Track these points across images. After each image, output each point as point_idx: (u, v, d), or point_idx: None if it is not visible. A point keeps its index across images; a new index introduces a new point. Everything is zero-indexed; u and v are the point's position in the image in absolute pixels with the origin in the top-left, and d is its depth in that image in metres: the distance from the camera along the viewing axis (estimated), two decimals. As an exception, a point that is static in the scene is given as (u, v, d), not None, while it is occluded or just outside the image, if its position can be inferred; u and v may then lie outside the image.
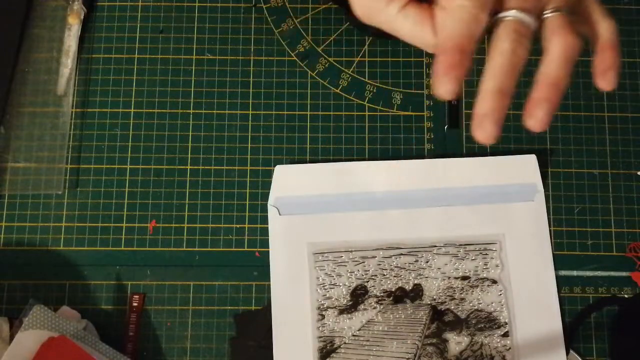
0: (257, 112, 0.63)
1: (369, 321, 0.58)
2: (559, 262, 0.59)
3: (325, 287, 0.58)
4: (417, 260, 0.59)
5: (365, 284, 0.58)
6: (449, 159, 0.61)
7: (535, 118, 0.40)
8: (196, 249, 0.60)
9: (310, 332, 0.57)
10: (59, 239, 0.60)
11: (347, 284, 0.58)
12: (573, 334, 0.58)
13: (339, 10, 0.65)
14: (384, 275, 0.59)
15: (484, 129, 0.39)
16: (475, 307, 0.58)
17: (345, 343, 0.57)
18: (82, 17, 0.64)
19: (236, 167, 0.62)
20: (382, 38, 0.64)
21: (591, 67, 0.41)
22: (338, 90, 0.63)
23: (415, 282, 0.59)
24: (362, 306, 0.58)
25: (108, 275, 0.59)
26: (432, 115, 0.63)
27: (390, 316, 0.58)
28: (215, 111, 0.63)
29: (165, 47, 0.64)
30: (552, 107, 0.40)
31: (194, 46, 0.64)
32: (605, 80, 0.41)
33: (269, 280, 0.58)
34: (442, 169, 0.61)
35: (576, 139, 0.62)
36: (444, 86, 0.38)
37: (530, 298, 0.58)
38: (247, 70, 0.64)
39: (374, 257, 0.59)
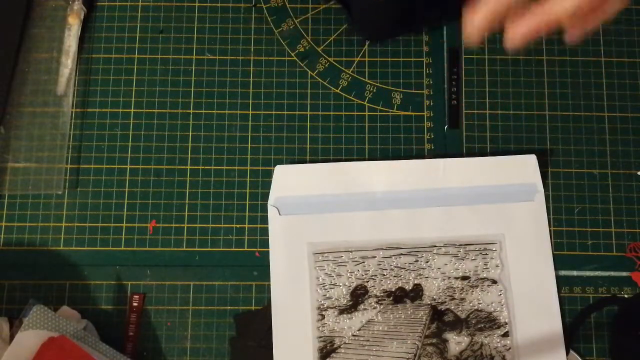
0: (257, 112, 0.63)
1: (369, 321, 0.58)
2: (559, 262, 0.60)
3: (325, 287, 0.58)
4: (417, 260, 0.59)
5: (365, 284, 0.58)
6: (449, 159, 0.61)
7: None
8: (196, 249, 0.60)
9: (310, 332, 0.57)
10: (59, 239, 0.60)
11: (347, 284, 0.58)
12: (573, 334, 0.58)
13: (339, 10, 0.65)
14: (384, 275, 0.59)
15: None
16: (475, 307, 0.58)
17: (345, 343, 0.57)
18: (82, 17, 0.64)
19: (236, 167, 0.62)
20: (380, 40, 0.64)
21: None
22: (338, 90, 0.64)
23: (415, 282, 0.59)
24: (362, 306, 0.58)
25: (108, 275, 0.59)
26: (432, 115, 0.63)
27: (390, 316, 0.58)
28: (215, 111, 0.63)
29: (165, 47, 0.64)
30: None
31: (194, 46, 0.64)
32: (576, 35, 0.44)
33: (269, 280, 0.59)
34: (442, 169, 0.61)
35: (576, 139, 0.62)
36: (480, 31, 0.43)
37: (530, 298, 0.58)
38: (247, 70, 0.64)
39: (374, 257, 0.59)
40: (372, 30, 0.64)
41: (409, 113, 0.63)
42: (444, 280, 0.58)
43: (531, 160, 0.61)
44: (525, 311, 0.58)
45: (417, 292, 0.58)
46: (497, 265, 0.59)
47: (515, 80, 0.64)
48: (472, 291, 0.58)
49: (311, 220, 0.59)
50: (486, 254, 0.59)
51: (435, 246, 0.59)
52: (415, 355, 0.57)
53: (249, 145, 0.62)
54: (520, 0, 0.43)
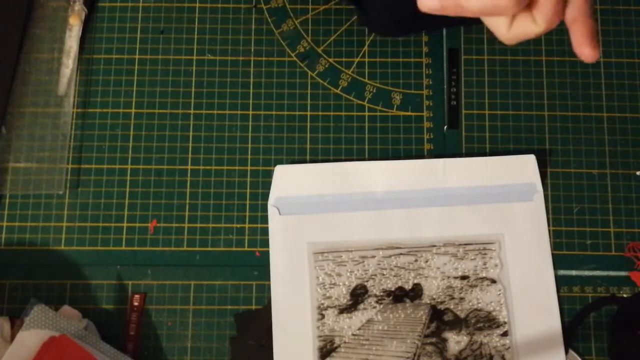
0: (257, 112, 0.63)
1: (368, 320, 0.58)
2: (558, 262, 0.60)
3: (325, 287, 0.58)
4: (416, 260, 0.59)
5: (365, 283, 0.59)
6: (449, 159, 0.61)
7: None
8: (197, 248, 0.60)
9: (310, 331, 0.58)
10: (60, 239, 0.60)
11: (347, 283, 0.59)
12: (572, 333, 0.58)
13: (339, 10, 0.65)
14: (384, 274, 0.59)
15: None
16: (475, 307, 0.58)
17: (345, 342, 0.57)
18: (83, 17, 0.64)
19: (236, 167, 0.62)
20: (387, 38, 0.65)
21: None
22: (338, 91, 0.64)
23: (415, 281, 0.59)
24: (362, 306, 0.58)
25: (109, 275, 0.59)
26: (431, 115, 0.63)
27: (390, 315, 0.58)
28: (215, 111, 0.63)
29: (165, 48, 0.64)
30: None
31: (195, 47, 0.64)
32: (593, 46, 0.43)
33: (269, 280, 0.59)
34: (441, 169, 0.61)
35: (575, 139, 0.63)
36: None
37: (530, 297, 0.58)
38: (248, 71, 0.64)
39: (373, 256, 0.59)
40: (385, 27, 0.64)
41: (409, 113, 0.63)
42: (444, 279, 0.59)
43: (530, 160, 0.61)
44: (524, 310, 0.58)
45: (416, 292, 0.59)
46: (496, 265, 0.59)
47: (515, 81, 0.64)
48: (472, 291, 0.58)
49: (311, 220, 0.60)
50: (485, 254, 0.59)
51: (434, 246, 0.59)
52: (414, 355, 0.57)
53: (249, 145, 0.62)
54: None
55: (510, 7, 0.40)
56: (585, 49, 0.42)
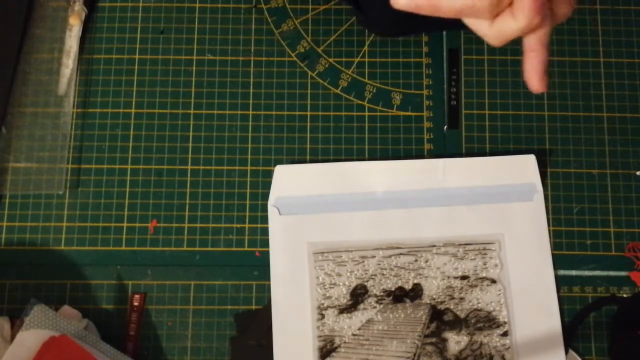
0: (257, 112, 0.63)
1: (368, 320, 0.58)
2: (558, 262, 0.60)
3: (325, 287, 0.58)
4: (416, 260, 0.59)
5: (365, 283, 0.59)
6: (449, 159, 0.61)
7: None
8: (197, 248, 0.60)
9: (310, 331, 0.58)
10: (60, 239, 0.60)
11: (347, 283, 0.59)
12: (572, 333, 0.58)
13: (339, 10, 0.65)
14: (384, 274, 0.59)
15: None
16: (475, 307, 0.58)
17: (345, 342, 0.57)
18: (83, 17, 0.64)
19: (236, 167, 0.62)
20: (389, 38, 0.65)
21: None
22: (338, 91, 0.64)
23: (415, 281, 0.59)
24: (362, 306, 0.58)
25: (109, 275, 0.59)
26: (431, 115, 0.63)
27: (390, 315, 0.58)
28: (215, 111, 0.63)
29: (165, 48, 0.64)
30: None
31: (195, 47, 0.64)
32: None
33: (269, 280, 0.59)
34: (441, 169, 0.61)
35: (575, 140, 0.63)
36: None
37: (530, 297, 0.58)
38: (248, 71, 0.64)
39: (373, 256, 0.59)
40: (384, 27, 0.64)
41: (409, 113, 0.63)
42: (444, 279, 0.59)
43: (530, 160, 0.61)
44: (524, 310, 0.58)
45: (416, 292, 0.59)
46: (496, 265, 0.59)
47: (515, 81, 0.64)
48: (472, 291, 0.58)
49: (311, 220, 0.60)
50: (485, 254, 0.59)
51: (434, 246, 0.59)
52: (414, 355, 0.57)
53: (249, 145, 0.62)
54: None
55: (487, 9, 0.40)
56: (534, 80, 0.43)
